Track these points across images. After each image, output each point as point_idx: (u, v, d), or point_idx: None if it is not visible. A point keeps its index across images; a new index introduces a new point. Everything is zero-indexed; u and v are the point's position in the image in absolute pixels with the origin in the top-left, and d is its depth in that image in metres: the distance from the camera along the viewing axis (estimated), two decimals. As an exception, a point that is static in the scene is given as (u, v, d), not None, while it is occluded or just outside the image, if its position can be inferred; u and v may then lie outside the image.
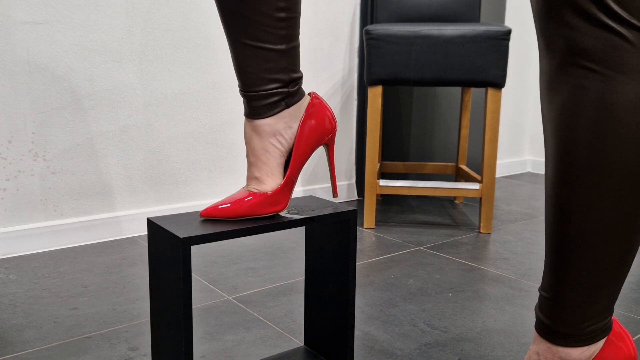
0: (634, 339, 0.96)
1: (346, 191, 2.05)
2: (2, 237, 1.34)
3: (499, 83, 1.57)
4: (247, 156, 0.74)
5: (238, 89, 0.77)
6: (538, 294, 1.15)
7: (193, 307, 1.07)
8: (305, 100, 0.75)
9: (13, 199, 1.36)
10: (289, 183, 0.74)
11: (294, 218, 0.73)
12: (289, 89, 0.72)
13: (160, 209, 1.59)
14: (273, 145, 0.73)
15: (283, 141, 0.73)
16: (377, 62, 1.58)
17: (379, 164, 1.97)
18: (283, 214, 0.75)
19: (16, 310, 1.04)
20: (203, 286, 1.17)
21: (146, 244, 1.47)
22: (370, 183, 1.64)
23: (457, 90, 2.30)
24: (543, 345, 0.65)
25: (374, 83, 1.60)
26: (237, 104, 1.71)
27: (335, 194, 0.81)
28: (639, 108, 0.53)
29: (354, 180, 2.08)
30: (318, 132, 0.75)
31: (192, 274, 1.25)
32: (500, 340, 0.95)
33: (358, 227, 1.67)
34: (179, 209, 1.63)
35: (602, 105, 0.54)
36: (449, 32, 1.54)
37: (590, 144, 0.55)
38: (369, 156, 1.63)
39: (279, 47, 0.70)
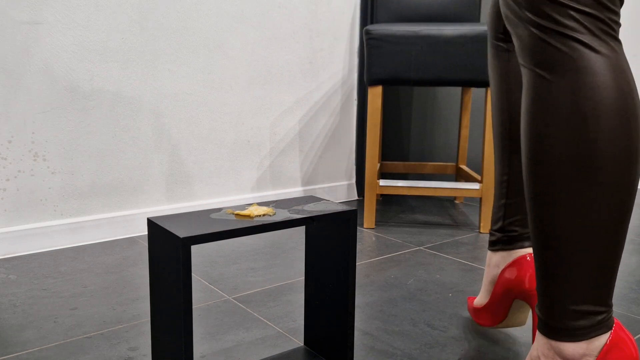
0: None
1: (346, 191, 2.05)
2: (2, 237, 1.34)
3: (499, 83, 1.56)
4: None
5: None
6: (538, 294, 1.16)
7: (193, 307, 1.07)
8: (518, 253, 0.88)
9: (13, 199, 1.36)
10: (489, 306, 0.93)
11: (294, 218, 0.73)
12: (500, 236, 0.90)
13: (160, 209, 1.59)
14: (486, 273, 0.94)
15: (492, 272, 0.92)
16: (377, 62, 1.58)
17: (379, 164, 1.97)
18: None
19: (16, 310, 1.04)
20: (203, 286, 1.17)
21: (146, 244, 1.47)
22: (370, 183, 1.64)
23: (457, 90, 2.30)
24: (541, 340, 0.66)
25: (374, 83, 1.60)
26: (237, 103, 1.71)
27: None
28: (575, 103, 0.57)
29: (354, 180, 2.08)
30: (509, 284, 0.88)
31: (192, 274, 1.25)
32: (501, 340, 0.94)
33: (358, 227, 1.67)
34: (179, 209, 1.63)
35: (542, 101, 0.60)
36: (449, 32, 1.54)
37: (533, 135, 0.61)
38: (369, 156, 1.63)
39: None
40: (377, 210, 1.89)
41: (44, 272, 1.25)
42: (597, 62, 0.57)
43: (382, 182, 1.67)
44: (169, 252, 0.67)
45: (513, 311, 0.91)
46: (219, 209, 0.77)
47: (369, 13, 1.97)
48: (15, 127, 1.34)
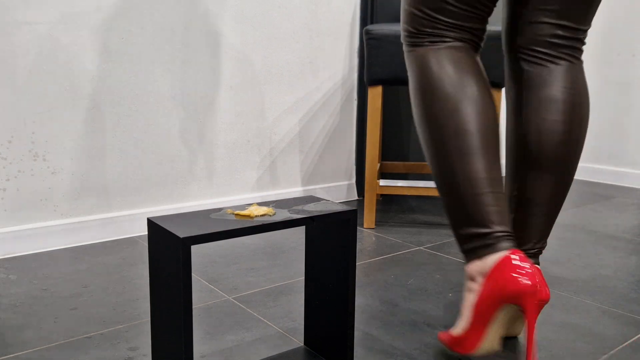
0: (634, 338, 0.96)
1: (346, 191, 2.05)
2: (2, 237, 1.34)
3: (499, 83, 1.57)
4: None
5: None
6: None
7: (193, 307, 1.07)
8: (498, 255, 0.76)
9: (13, 199, 1.36)
10: (472, 330, 0.77)
11: (294, 218, 0.73)
12: (478, 242, 0.81)
13: (160, 209, 1.59)
14: (469, 287, 0.79)
15: (475, 287, 0.78)
16: (377, 62, 1.58)
17: (379, 164, 1.97)
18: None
19: (16, 310, 1.04)
20: (203, 286, 1.17)
21: (146, 244, 1.47)
22: (370, 183, 1.64)
23: (457, 90, 2.30)
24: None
25: (374, 83, 1.60)
26: (237, 104, 1.71)
27: None
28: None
29: (354, 180, 2.08)
30: (496, 293, 0.75)
31: (192, 274, 1.25)
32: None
33: (358, 227, 1.67)
34: (179, 209, 1.63)
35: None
36: (449, 32, 1.54)
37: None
38: (369, 156, 1.64)
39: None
40: (377, 210, 1.89)
41: (44, 272, 1.25)
42: (558, 72, 0.86)
43: (382, 182, 1.67)
44: (169, 252, 0.67)
45: (508, 321, 0.89)
46: (219, 209, 0.77)
47: (369, 13, 1.97)
48: (15, 127, 1.34)
